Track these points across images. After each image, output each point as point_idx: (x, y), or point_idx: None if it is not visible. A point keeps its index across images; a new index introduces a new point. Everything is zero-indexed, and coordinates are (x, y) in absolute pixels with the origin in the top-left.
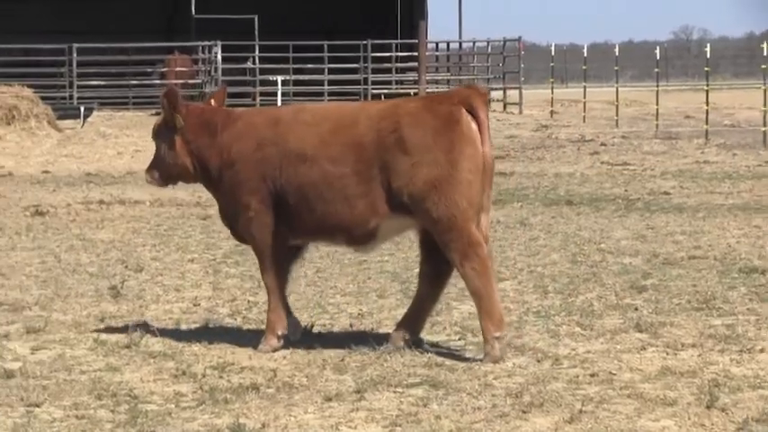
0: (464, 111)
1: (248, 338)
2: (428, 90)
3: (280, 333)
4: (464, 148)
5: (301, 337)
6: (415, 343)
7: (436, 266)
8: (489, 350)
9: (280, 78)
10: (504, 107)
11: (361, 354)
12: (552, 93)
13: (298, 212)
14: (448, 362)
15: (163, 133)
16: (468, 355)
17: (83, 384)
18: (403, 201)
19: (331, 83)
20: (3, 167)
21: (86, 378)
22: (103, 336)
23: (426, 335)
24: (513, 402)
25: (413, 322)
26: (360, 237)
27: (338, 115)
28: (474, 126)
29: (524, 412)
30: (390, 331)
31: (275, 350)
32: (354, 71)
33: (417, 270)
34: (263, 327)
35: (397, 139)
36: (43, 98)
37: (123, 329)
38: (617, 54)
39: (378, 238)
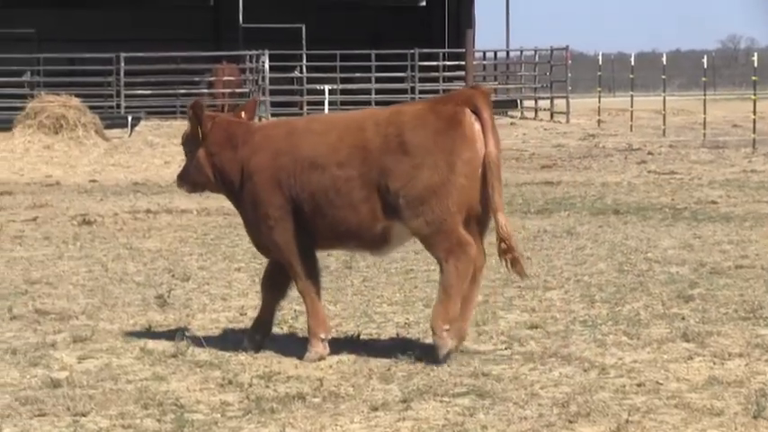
0: (468, 111)
1: (294, 348)
2: None
3: (323, 337)
4: (463, 152)
5: (348, 346)
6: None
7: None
8: (437, 341)
9: (327, 88)
10: (551, 116)
11: (408, 363)
12: (599, 102)
13: (312, 220)
14: (494, 371)
15: (190, 143)
16: (514, 364)
17: (129, 394)
18: (398, 202)
19: (378, 92)
20: (50, 177)
21: (133, 387)
22: (150, 345)
23: (473, 344)
24: (560, 412)
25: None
26: (371, 242)
27: (347, 122)
28: (477, 127)
29: (571, 422)
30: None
31: (322, 358)
32: (402, 80)
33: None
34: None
35: (401, 143)
36: (91, 107)
37: (170, 338)
38: (664, 63)
39: (392, 242)
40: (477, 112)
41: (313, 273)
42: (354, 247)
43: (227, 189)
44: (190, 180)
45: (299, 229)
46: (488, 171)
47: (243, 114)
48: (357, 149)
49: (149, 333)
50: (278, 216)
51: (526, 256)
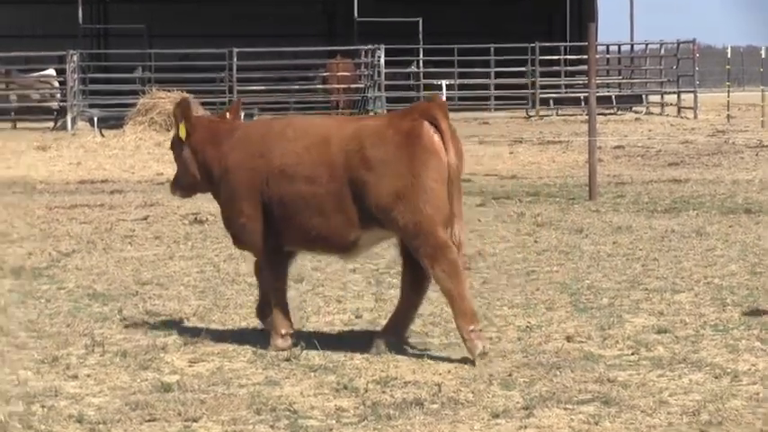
0: (426, 124)
1: (412, 352)
2: (598, 94)
3: (284, 332)
4: (427, 160)
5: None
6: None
7: (415, 272)
8: (470, 347)
9: (444, 83)
10: (679, 111)
11: (530, 368)
12: (729, 96)
13: (282, 224)
14: (620, 377)
15: (177, 145)
16: (642, 370)
17: (241, 398)
18: (373, 215)
19: (497, 87)
20: (161, 174)
21: (245, 392)
22: (263, 348)
23: (598, 349)
24: (690, 421)
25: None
26: (340, 248)
27: (315, 132)
28: (437, 138)
29: (702, 431)
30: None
31: (282, 350)
32: (522, 75)
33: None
34: (428, 339)
35: (362, 158)
36: (203, 104)
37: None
38: None
39: (360, 248)
40: (435, 124)
41: (282, 269)
42: (322, 251)
43: (212, 187)
44: (180, 184)
45: (270, 228)
46: (449, 182)
47: (227, 115)
48: (323, 166)
49: (262, 336)
50: (251, 214)
51: (653, 257)
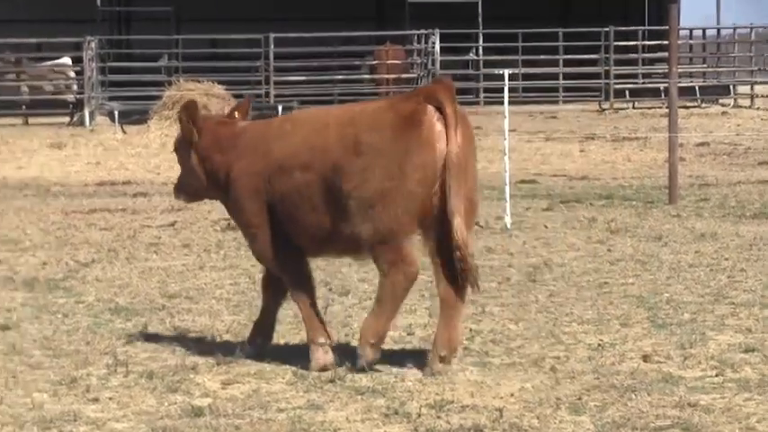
0: (429, 108)
1: (469, 372)
2: (680, 85)
3: (322, 342)
4: (417, 155)
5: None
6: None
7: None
8: (362, 352)
9: (507, 72)
10: None
11: (602, 391)
12: None
13: (287, 225)
14: (703, 401)
15: (183, 148)
16: (727, 394)
17: (280, 424)
18: (349, 204)
19: (566, 76)
20: None
21: (284, 417)
22: (304, 368)
23: (678, 370)
24: None
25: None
26: (347, 249)
27: (315, 121)
28: (438, 127)
29: None
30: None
31: (325, 367)
32: (594, 63)
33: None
34: (488, 359)
35: (356, 143)
36: (236, 96)
37: None
38: None
39: None
40: (440, 108)
41: (304, 278)
42: (335, 253)
43: (220, 194)
44: (185, 189)
45: (282, 235)
46: (446, 171)
47: (236, 115)
48: (318, 151)
49: (303, 355)
50: (258, 223)
51: (740, 267)
